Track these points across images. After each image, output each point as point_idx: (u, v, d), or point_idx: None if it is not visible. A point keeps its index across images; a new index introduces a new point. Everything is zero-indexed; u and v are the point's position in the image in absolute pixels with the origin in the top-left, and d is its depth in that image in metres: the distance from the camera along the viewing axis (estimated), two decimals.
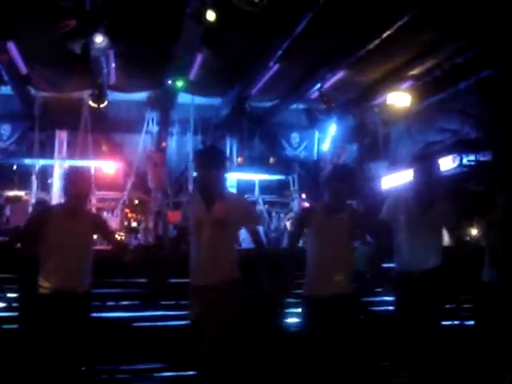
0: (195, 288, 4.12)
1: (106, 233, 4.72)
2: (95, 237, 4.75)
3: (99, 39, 7.81)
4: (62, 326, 4.11)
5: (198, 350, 4.03)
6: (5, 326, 5.87)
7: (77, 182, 4.32)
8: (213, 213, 4.12)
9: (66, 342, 4.12)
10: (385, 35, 8.37)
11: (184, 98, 11.66)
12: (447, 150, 11.24)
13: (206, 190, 4.19)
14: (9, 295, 6.15)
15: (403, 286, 4.53)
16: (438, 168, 4.67)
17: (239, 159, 13.46)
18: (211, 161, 4.18)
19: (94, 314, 4.97)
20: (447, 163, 10.94)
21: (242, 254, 4.38)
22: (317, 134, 13.89)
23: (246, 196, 11.28)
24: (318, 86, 10.74)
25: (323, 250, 4.26)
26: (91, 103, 11.21)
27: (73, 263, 4.23)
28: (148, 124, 12.65)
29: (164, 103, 11.86)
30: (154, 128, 12.66)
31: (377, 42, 8.62)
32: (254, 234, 4.35)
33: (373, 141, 13.30)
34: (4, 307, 6.10)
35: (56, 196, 12.27)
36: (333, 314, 4.17)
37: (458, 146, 11.40)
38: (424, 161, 4.68)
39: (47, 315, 4.18)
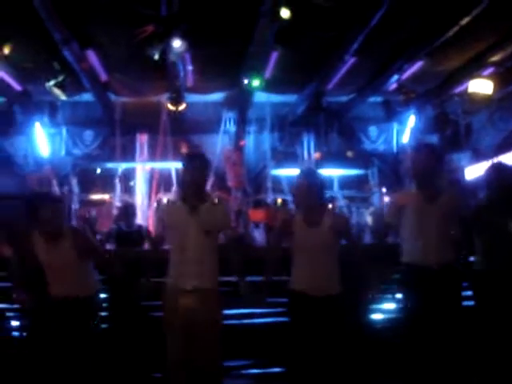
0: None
1: None
2: None
3: (177, 43, 7.90)
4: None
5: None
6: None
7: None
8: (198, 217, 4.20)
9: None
10: (463, 22, 8.12)
11: (259, 96, 11.69)
12: None
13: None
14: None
15: (419, 282, 4.34)
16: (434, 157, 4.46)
17: (317, 155, 13.38)
18: (201, 164, 4.26)
19: None
20: None
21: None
22: (395, 126, 13.60)
23: (325, 192, 11.25)
24: (396, 77, 10.51)
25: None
26: (169, 106, 11.39)
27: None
28: (225, 124, 12.77)
29: (240, 103, 11.93)
30: (232, 128, 12.77)
31: (455, 29, 8.37)
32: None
33: (454, 131, 12.91)
34: None
35: (139, 198, 12.60)
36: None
37: None
38: (419, 150, 4.57)
39: None
